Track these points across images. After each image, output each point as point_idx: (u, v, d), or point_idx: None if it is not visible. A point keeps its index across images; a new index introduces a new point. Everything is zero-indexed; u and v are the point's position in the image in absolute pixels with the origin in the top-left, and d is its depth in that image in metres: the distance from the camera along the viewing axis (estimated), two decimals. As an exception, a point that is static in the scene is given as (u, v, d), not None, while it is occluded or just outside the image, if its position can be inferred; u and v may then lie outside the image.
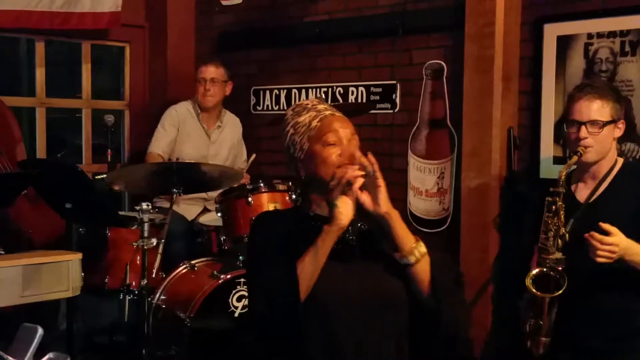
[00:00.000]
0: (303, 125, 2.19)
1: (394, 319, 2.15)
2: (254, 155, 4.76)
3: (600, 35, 3.83)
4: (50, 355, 1.86)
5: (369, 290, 2.13)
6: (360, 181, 2.04)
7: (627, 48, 3.75)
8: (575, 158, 2.88)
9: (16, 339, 1.77)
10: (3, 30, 5.05)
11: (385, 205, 2.08)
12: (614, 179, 2.97)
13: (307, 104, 2.27)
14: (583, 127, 2.88)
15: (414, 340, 2.19)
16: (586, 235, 2.75)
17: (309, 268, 2.06)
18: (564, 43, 3.95)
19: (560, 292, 2.78)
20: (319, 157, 2.15)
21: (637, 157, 3.70)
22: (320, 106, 2.25)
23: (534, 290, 2.83)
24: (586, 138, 2.88)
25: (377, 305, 2.13)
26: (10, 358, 1.70)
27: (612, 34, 3.79)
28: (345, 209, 2.04)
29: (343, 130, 2.17)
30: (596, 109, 2.89)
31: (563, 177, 2.86)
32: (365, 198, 2.07)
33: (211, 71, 4.79)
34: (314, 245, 2.07)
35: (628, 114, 3.74)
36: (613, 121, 2.90)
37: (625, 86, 3.74)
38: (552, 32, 3.98)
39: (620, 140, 3.70)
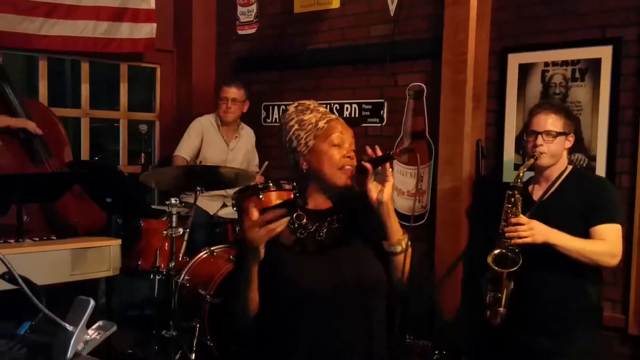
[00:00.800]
0: (309, 123, 2.10)
1: (375, 303, 2.08)
2: (266, 163, 4.78)
3: (555, 63, 3.85)
4: (99, 323, 1.87)
5: (349, 278, 2.02)
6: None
7: (577, 75, 3.76)
8: (531, 161, 2.92)
9: (71, 309, 1.78)
10: (54, 52, 5.05)
11: (387, 197, 2.01)
12: (562, 182, 2.99)
13: (310, 105, 2.18)
14: (539, 136, 2.93)
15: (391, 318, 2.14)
16: (507, 229, 2.84)
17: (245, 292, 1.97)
18: (525, 70, 3.96)
19: (516, 268, 2.81)
20: (324, 155, 2.07)
21: (585, 165, 3.70)
22: (322, 109, 2.18)
23: (495, 267, 2.85)
24: (541, 145, 2.93)
25: (358, 292, 2.03)
26: (67, 325, 1.71)
27: (565, 63, 3.81)
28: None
29: (346, 134, 2.11)
30: (551, 122, 2.93)
31: (521, 174, 2.90)
32: (372, 187, 2.02)
33: (233, 92, 4.78)
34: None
35: (577, 129, 3.75)
36: (564, 133, 2.94)
37: (575, 107, 3.75)
38: (514, 60, 4.00)
39: (570, 151, 3.72)
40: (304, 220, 2.11)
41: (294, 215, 2.09)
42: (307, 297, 2.01)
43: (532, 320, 2.92)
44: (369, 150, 2.06)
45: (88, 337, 1.76)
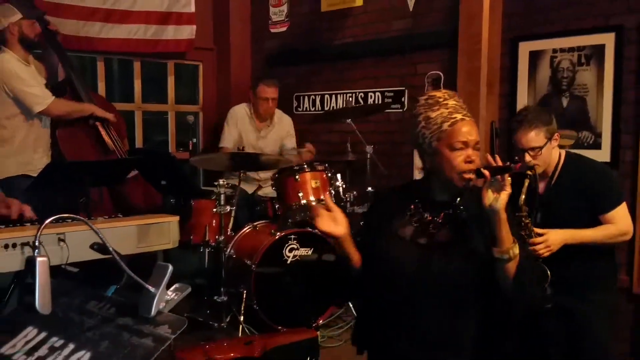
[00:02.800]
0: (435, 124, 1.92)
1: (461, 299, 1.94)
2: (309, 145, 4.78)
3: (562, 50, 3.83)
4: (176, 285, 1.93)
5: (451, 270, 1.92)
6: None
7: (583, 60, 3.75)
8: (527, 182, 2.69)
9: (153, 273, 1.84)
10: (112, 53, 5.12)
11: (501, 205, 1.83)
12: (560, 173, 2.92)
13: (439, 98, 1.97)
14: (526, 154, 2.82)
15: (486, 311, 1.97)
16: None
17: None
18: (535, 56, 3.95)
19: (548, 282, 2.79)
20: (445, 158, 1.91)
21: (591, 142, 3.70)
22: (450, 102, 1.96)
23: None
24: (530, 161, 2.83)
25: (459, 285, 1.92)
26: (150, 287, 1.77)
27: (571, 49, 3.80)
28: None
29: (470, 137, 1.91)
30: (532, 137, 2.80)
31: (522, 199, 2.71)
32: (487, 193, 1.84)
33: (272, 92, 4.74)
34: None
35: (583, 109, 3.76)
36: (549, 140, 2.83)
37: (582, 89, 3.75)
38: (525, 48, 3.99)
39: (578, 129, 3.75)
40: (422, 210, 2.02)
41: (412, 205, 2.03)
42: (402, 280, 1.96)
43: (559, 283, 2.93)
44: (489, 158, 1.93)
45: (168, 297, 1.83)
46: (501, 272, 1.88)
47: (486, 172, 1.85)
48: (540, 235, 2.76)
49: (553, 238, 2.76)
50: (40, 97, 3.82)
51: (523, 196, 2.77)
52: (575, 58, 3.78)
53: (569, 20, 3.81)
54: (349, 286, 2.14)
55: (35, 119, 3.94)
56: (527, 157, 2.84)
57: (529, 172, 2.67)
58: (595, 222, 2.82)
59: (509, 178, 1.85)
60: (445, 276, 1.91)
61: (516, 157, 2.92)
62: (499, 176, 1.84)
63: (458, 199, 1.99)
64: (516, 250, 1.87)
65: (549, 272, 2.79)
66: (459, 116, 1.93)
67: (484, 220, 1.89)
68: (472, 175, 1.89)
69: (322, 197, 4.08)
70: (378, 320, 2.07)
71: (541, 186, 2.96)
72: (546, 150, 2.84)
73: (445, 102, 1.96)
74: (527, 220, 2.78)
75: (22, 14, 3.87)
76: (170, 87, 5.63)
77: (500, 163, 1.92)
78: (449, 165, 1.91)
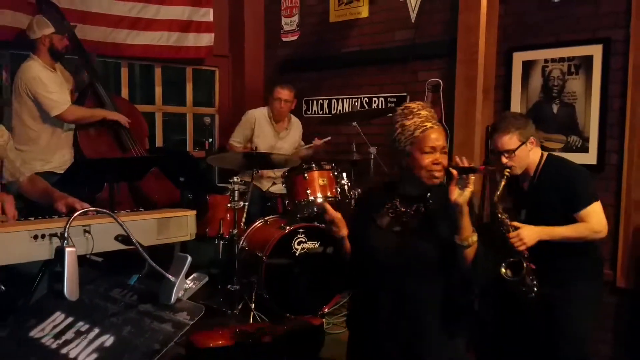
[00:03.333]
0: (408, 130, 2.11)
1: (439, 279, 2.13)
2: (328, 138, 4.81)
3: (553, 60, 3.81)
4: (194, 274, 1.95)
5: (419, 253, 2.11)
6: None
7: (573, 69, 3.73)
8: (503, 181, 2.81)
9: (173, 263, 1.84)
10: (137, 58, 5.13)
11: (464, 200, 2.00)
12: (540, 173, 2.92)
13: (414, 109, 2.16)
14: (502, 156, 2.85)
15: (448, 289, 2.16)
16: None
17: None
18: (527, 66, 3.93)
19: (523, 273, 2.78)
20: (416, 160, 2.10)
21: (579, 145, 3.69)
22: (423, 112, 2.15)
23: (510, 277, 2.82)
24: (506, 162, 2.87)
25: (426, 266, 2.11)
26: (170, 276, 1.78)
27: (561, 59, 3.78)
28: None
29: (437, 143, 2.09)
30: (506, 141, 2.84)
31: (497, 200, 2.81)
32: (453, 189, 2.00)
33: (285, 94, 4.75)
34: None
35: (572, 115, 3.75)
36: (523, 143, 2.84)
37: (571, 96, 3.73)
38: (519, 58, 3.97)
39: (567, 134, 3.75)
40: (397, 203, 2.21)
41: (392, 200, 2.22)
42: (379, 263, 2.15)
43: (544, 274, 2.92)
44: (457, 159, 2.05)
45: (187, 286, 1.84)
46: (461, 257, 2.06)
47: (454, 172, 2.01)
48: (516, 228, 2.78)
49: (526, 233, 2.78)
50: (58, 102, 3.88)
51: (498, 193, 2.82)
52: (565, 68, 3.76)
53: (559, 33, 3.79)
54: (345, 276, 2.33)
55: (57, 121, 3.97)
56: (503, 159, 2.88)
57: (506, 173, 2.80)
58: (570, 221, 2.81)
59: (473, 177, 2.01)
60: (415, 256, 2.11)
61: (491, 159, 2.98)
62: (464, 175, 2.00)
63: (428, 194, 2.17)
64: (474, 238, 2.05)
65: (524, 263, 2.79)
66: (429, 124, 2.11)
67: (449, 211, 2.05)
68: (440, 174, 2.08)
69: (328, 193, 4.09)
70: (363, 301, 2.25)
71: (526, 185, 2.98)
72: (520, 152, 2.87)
73: (418, 112, 2.15)
74: (503, 216, 2.82)
75: (54, 29, 3.92)
76: (188, 91, 5.64)
77: (466, 164, 2.04)
78: (419, 166, 2.10)
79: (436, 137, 2.10)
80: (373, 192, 2.45)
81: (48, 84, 3.86)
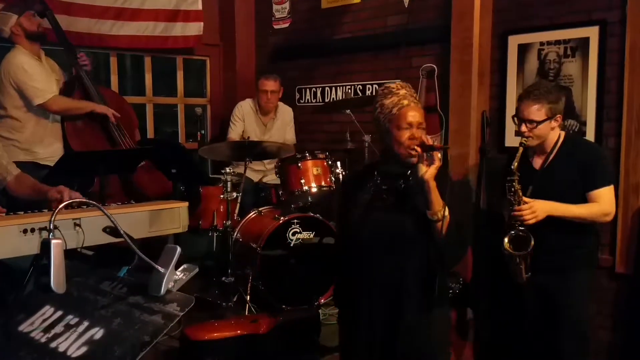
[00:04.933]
0: (387, 108, 2.21)
1: (417, 252, 2.23)
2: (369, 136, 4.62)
3: (549, 43, 3.81)
4: (184, 266, 1.94)
5: (397, 227, 2.22)
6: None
7: (569, 52, 3.73)
8: (520, 149, 2.81)
9: (162, 254, 1.85)
10: (123, 49, 5.11)
11: (429, 176, 2.12)
12: (558, 151, 2.90)
13: (392, 88, 2.26)
14: (523, 124, 2.83)
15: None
16: (513, 213, 2.77)
17: None
18: (523, 49, 3.92)
19: (530, 248, 2.77)
20: (394, 136, 2.20)
21: (576, 129, 3.69)
22: (402, 91, 2.24)
23: (511, 251, 2.80)
24: (526, 132, 2.85)
25: (403, 240, 2.22)
26: (159, 267, 1.78)
27: (557, 42, 3.77)
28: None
29: (414, 119, 2.18)
30: (534, 111, 2.80)
31: (515, 164, 2.78)
32: (420, 166, 2.13)
33: (270, 85, 4.73)
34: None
35: (569, 99, 3.74)
36: (548, 119, 2.80)
37: (567, 79, 3.72)
38: (514, 41, 3.96)
39: (564, 118, 3.72)
40: (378, 180, 2.30)
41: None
42: (361, 238, 2.26)
43: (541, 262, 2.93)
44: (424, 137, 2.17)
45: (177, 277, 1.84)
46: (434, 230, 2.16)
47: (419, 149, 2.13)
48: (527, 203, 2.76)
49: (539, 206, 2.77)
50: (41, 90, 3.84)
51: (516, 163, 2.80)
52: (561, 50, 3.75)
53: (555, 15, 3.78)
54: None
55: (44, 111, 3.95)
56: (523, 128, 2.85)
57: (523, 141, 2.82)
58: (583, 201, 2.81)
59: (439, 154, 2.15)
60: (393, 230, 2.21)
61: (515, 123, 2.92)
62: (429, 152, 2.12)
63: (408, 171, 2.24)
64: (445, 212, 2.14)
65: (532, 239, 2.78)
66: (405, 102, 2.20)
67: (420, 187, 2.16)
68: (416, 149, 2.14)
69: (322, 183, 4.09)
70: (347, 277, 2.37)
71: (538, 162, 2.96)
72: (544, 127, 2.83)
73: (397, 91, 2.24)
74: (518, 186, 2.80)
75: (17, 14, 3.90)
76: (179, 81, 5.62)
77: (430, 143, 2.16)
78: (397, 142, 2.19)
79: (413, 114, 2.19)
80: (357, 173, 2.56)
81: (32, 72, 3.84)
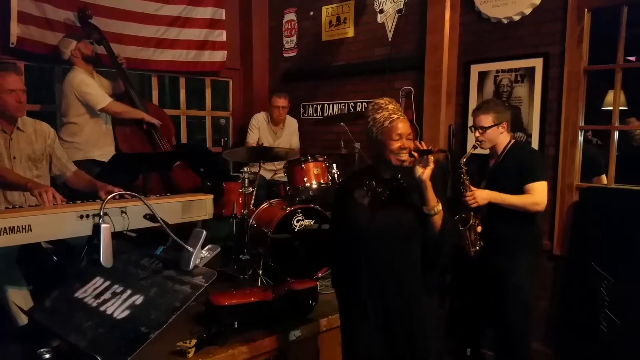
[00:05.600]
0: (379, 122, 2.09)
1: (413, 244, 2.09)
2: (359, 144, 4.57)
3: (503, 71, 3.80)
4: (209, 246, 1.94)
5: (395, 223, 2.08)
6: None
7: (519, 78, 3.72)
8: (471, 150, 2.91)
9: (191, 236, 1.84)
10: (162, 72, 5.09)
11: (426, 176, 2.01)
12: (506, 154, 2.96)
13: (382, 104, 2.13)
14: (477, 131, 2.91)
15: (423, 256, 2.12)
16: (462, 199, 2.84)
17: None
18: (482, 76, 3.91)
19: (469, 225, 2.84)
20: (387, 146, 2.07)
21: (524, 140, 3.67)
22: (390, 106, 2.12)
23: (460, 227, 2.87)
24: (479, 136, 2.89)
25: (401, 234, 2.08)
26: (188, 247, 1.78)
27: (510, 70, 3.76)
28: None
29: (403, 131, 2.07)
30: (482, 119, 2.90)
31: (464, 160, 2.88)
32: (418, 168, 2.00)
33: (281, 101, 4.72)
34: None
35: (518, 116, 3.73)
36: (495, 125, 2.88)
37: (517, 100, 3.71)
38: (475, 69, 3.95)
39: (514, 130, 3.74)
40: (374, 184, 2.17)
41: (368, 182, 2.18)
42: (363, 234, 2.10)
43: (490, 245, 2.94)
44: (417, 143, 2.11)
45: (202, 255, 1.84)
46: (430, 224, 2.05)
47: (416, 154, 2.04)
48: (472, 191, 2.85)
49: (479, 194, 2.84)
50: (101, 96, 3.87)
51: (464, 158, 2.85)
52: (512, 77, 3.75)
53: (508, 48, 3.77)
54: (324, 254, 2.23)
55: (99, 118, 3.95)
56: (477, 133, 2.92)
57: (476, 144, 2.91)
58: (521, 192, 2.85)
59: (432, 157, 2.03)
60: (390, 224, 2.08)
61: (471, 131, 3.01)
62: (424, 156, 2.02)
63: (399, 175, 2.15)
64: (439, 207, 2.03)
65: (472, 218, 2.86)
66: (395, 116, 2.09)
67: (417, 187, 2.06)
68: (406, 157, 2.04)
69: (321, 180, 4.07)
70: (347, 267, 2.19)
71: (492, 162, 3.00)
72: (491, 131, 2.91)
73: (386, 106, 2.12)
74: (465, 178, 2.86)
75: (76, 40, 3.89)
76: (207, 97, 5.58)
77: (425, 147, 2.12)
78: (389, 150, 2.07)
79: (402, 126, 2.08)
80: (355, 176, 2.38)
81: (92, 85, 3.88)
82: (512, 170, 2.87)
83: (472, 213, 2.87)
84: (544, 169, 2.97)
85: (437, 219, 2.03)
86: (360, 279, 2.12)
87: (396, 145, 2.06)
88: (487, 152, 3.06)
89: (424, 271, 2.11)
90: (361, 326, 2.12)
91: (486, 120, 2.89)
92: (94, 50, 4.01)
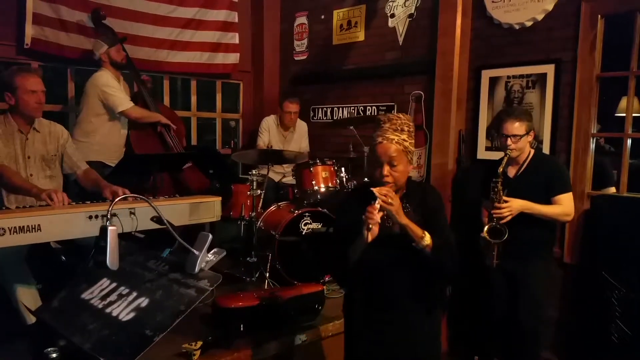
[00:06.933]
0: (373, 139, 1.96)
1: (413, 266, 1.97)
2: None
3: (514, 76, 3.76)
4: (215, 249, 1.92)
5: (395, 246, 1.95)
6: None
7: (530, 84, 3.68)
8: (506, 158, 2.84)
9: (197, 240, 1.83)
10: (176, 73, 5.11)
11: (402, 216, 1.88)
12: (528, 164, 2.93)
13: (381, 121, 1.95)
14: (509, 139, 2.85)
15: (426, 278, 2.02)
16: (493, 211, 2.76)
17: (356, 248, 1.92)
18: (493, 81, 3.88)
19: (505, 238, 2.77)
20: (370, 170, 1.98)
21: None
22: (386, 126, 1.92)
23: (489, 239, 2.79)
24: (510, 144, 2.84)
25: (402, 257, 1.97)
26: (194, 250, 1.77)
27: (521, 76, 3.72)
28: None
29: (383, 158, 1.90)
30: (516, 127, 2.84)
31: (501, 171, 2.81)
32: (393, 215, 1.87)
33: (294, 107, 4.71)
34: (360, 237, 1.85)
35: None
36: (527, 133, 2.86)
37: (529, 106, 3.67)
38: (486, 75, 3.91)
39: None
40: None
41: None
42: (370, 259, 1.96)
43: (505, 250, 2.90)
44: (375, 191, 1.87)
45: (208, 258, 1.82)
46: (426, 255, 1.92)
47: (376, 217, 1.82)
48: (506, 201, 2.77)
49: (515, 204, 2.78)
50: (124, 100, 3.89)
51: (501, 168, 2.80)
52: (524, 83, 3.70)
53: (519, 54, 3.73)
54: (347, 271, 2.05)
55: (116, 121, 3.95)
56: (508, 141, 2.85)
57: (508, 152, 2.83)
58: (547, 204, 2.83)
59: (389, 195, 1.84)
60: (397, 250, 1.94)
61: (499, 139, 2.96)
62: (385, 205, 1.83)
63: (404, 200, 1.98)
64: (428, 237, 1.89)
65: (506, 231, 2.77)
66: (378, 140, 1.91)
67: (422, 208, 1.96)
68: (373, 218, 1.82)
69: (329, 184, 4.04)
70: (357, 287, 2.06)
71: (512, 171, 2.96)
72: (523, 140, 2.87)
73: (382, 125, 1.93)
74: (500, 187, 2.79)
75: (107, 45, 3.92)
76: (218, 100, 5.59)
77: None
78: (372, 174, 1.95)
79: (382, 152, 1.89)
80: (359, 190, 2.21)
81: (116, 87, 3.90)
82: (539, 179, 2.85)
83: (506, 227, 2.77)
84: (569, 180, 2.97)
85: (427, 248, 1.91)
86: (367, 297, 2.04)
87: (377, 170, 1.91)
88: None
89: (425, 291, 2.02)
90: (365, 331, 2.06)
91: (520, 128, 2.84)
92: (124, 58, 4.04)
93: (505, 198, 2.77)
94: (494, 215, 2.78)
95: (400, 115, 1.98)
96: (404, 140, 1.92)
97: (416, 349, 2.03)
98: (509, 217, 2.75)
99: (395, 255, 1.97)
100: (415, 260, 1.96)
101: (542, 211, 2.80)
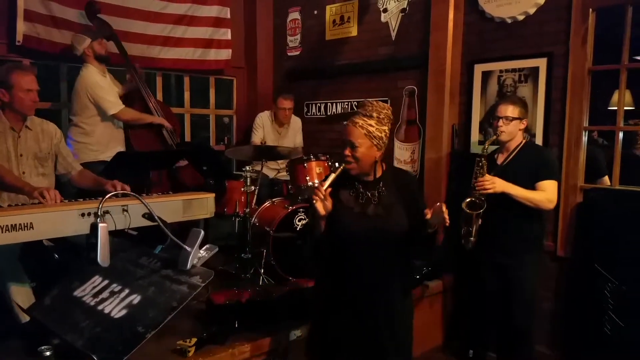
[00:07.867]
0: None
1: (394, 246, 2.04)
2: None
3: (507, 70, 3.76)
4: (207, 246, 1.92)
5: (378, 227, 2.02)
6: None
7: (522, 78, 3.68)
8: (494, 137, 2.90)
9: (189, 236, 1.83)
10: (168, 69, 5.08)
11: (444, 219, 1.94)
12: (518, 152, 2.95)
13: (358, 107, 2.08)
14: (500, 120, 2.88)
15: (411, 252, 2.11)
16: (476, 183, 2.80)
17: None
18: (486, 75, 3.88)
19: (482, 210, 2.79)
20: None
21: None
22: (358, 110, 2.07)
23: (467, 210, 2.83)
24: (501, 126, 2.88)
25: (384, 237, 2.02)
26: (186, 247, 1.77)
27: (513, 70, 3.72)
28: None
29: (345, 137, 2.03)
30: (510, 110, 2.88)
31: (487, 146, 2.87)
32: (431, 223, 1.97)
33: (288, 103, 4.71)
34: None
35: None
36: (519, 118, 2.88)
37: (521, 100, 3.69)
38: (479, 69, 3.92)
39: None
40: (360, 187, 2.09)
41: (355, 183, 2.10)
42: (350, 238, 2.03)
43: (495, 244, 2.92)
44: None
45: (200, 255, 1.82)
46: (434, 237, 2.03)
47: None
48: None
49: (498, 181, 2.81)
50: (114, 103, 3.85)
51: (487, 144, 2.89)
52: (516, 77, 3.71)
53: (511, 48, 3.73)
54: (316, 249, 2.12)
55: (110, 121, 3.94)
56: (500, 122, 2.89)
57: (498, 132, 2.90)
58: (532, 189, 2.85)
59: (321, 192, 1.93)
60: (372, 229, 2.01)
61: (492, 120, 3.02)
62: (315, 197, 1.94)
63: (381, 182, 2.08)
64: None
65: (485, 204, 2.79)
66: (346, 122, 2.04)
67: (400, 192, 2.05)
68: (352, 166, 2.01)
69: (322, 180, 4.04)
70: (329, 269, 2.11)
71: (501, 159, 2.99)
72: (514, 124, 2.90)
73: (357, 111, 2.06)
74: (485, 162, 2.85)
75: (90, 38, 3.88)
76: (211, 96, 5.58)
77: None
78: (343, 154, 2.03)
79: (347, 132, 2.02)
80: (340, 180, 2.24)
81: (106, 88, 3.86)
82: (526, 166, 2.87)
83: (484, 201, 2.80)
84: (557, 169, 3.01)
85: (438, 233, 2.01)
86: (344, 273, 2.07)
87: (343, 150, 2.03)
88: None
89: (402, 272, 2.10)
90: (344, 312, 2.07)
91: (514, 111, 2.89)
92: (107, 49, 4.00)
93: (489, 177, 2.82)
94: (477, 187, 2.81)
95: (375, 103, 2.07)
96: (369, 125, 2.01)
97: (393, 327, 2.06)
98: (490, 191, 2.78)
99: (369, 234, 2.02)
100: (389, 239, 2.02)
101: (525, 195, 2.81)
